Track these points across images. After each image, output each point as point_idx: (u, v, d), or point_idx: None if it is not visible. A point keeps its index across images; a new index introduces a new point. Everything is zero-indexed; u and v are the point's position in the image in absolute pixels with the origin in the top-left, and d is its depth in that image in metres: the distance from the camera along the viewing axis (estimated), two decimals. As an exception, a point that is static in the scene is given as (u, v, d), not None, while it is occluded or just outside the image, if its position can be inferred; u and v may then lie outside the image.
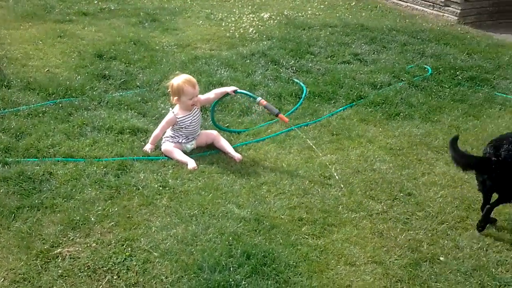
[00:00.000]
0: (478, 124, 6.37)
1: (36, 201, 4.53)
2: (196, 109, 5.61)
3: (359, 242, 4.34)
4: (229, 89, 5.73)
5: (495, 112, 6.76)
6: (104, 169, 5.04)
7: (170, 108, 5.61)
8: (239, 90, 5.73)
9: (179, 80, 5.47)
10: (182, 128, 5.53)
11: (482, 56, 8.65)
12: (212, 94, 5.75)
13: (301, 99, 6.73)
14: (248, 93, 5.81)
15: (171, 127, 5.58)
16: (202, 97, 5.67)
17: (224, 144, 5.57)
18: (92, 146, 5.44)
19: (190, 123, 5.54)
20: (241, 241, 4.22)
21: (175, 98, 5.49)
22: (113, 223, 4.37)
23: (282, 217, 4.58)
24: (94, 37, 8.59)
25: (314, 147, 5.52)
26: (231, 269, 3.94)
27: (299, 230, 4.44)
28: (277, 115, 5.49)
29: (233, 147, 5.55)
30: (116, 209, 4.53)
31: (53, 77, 6.94)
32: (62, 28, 8.83)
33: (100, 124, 5.82)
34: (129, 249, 4.11)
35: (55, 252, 4.03)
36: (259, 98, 5.59)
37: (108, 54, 7.78)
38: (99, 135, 5.65)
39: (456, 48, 8.97)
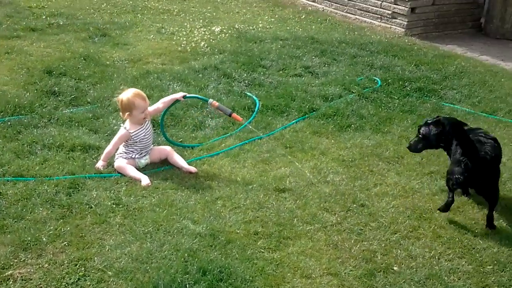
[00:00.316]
0: (427, 134, 6.51)
1: (-15, 222, 4.42)
2: (148, 122, 5.58)
3: (315, 254, 4.38)
4: (178, 95, 5.73)
5: (443, 122, 6.93)
6: (56, 188, 4.95)
7: (122, 124, 5.56)
8: (188, 95, 5.73)
9: (128, 94, 5.43)
10: (136, 142, 5.48)
11: (429, 67, 8.87)
12: (160, 103, 5.74)
13: (254, 113, 6.76)
14: (198, 96, 5.83)
15: (123, 143, 5.52)
16: (150, 108, 5.64)
17: (178, 159, 5.54)
18: (42, 164, 5.33)
19: (144, 136, 5.50)
20: (196, 257, 4.20)
21: (127, 113, 5.45)
22: (65, 242, 4.29)
23: (238, 231, 4.58)
24: (42, 53, 8.44)
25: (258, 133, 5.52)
26: (187, 286, 3.92)
27: (255, 244, 4.45)
28: (230, 115, 5.54)
29: (187, 162, 5.53)
30: (68, 228, 4.45)
31: (0, 94, 6.76)
32: (10, 44, 8.65)
33: (51, 141, 5.71)
34: (83, 269, 4.04)
35: (6, 274, 3.93)
36: (210, 100, 5.64)
37: (58, 70, 7.65)
38: (49, 153, 5.54)
39: (404, 59, 9.18)
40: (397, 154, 6.02)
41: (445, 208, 4.86)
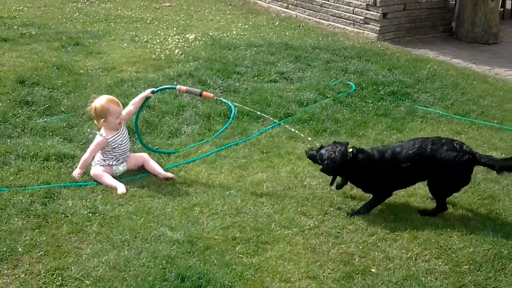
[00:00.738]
0: (402, 137, 6.58)
1: (-41, 234, 4.35)
2: (123, 128, 5.56)
3: (293, 258, 4.38)
4: (146, 92, 5.75)
5: (417, 124, 7.02)
6: (31, 198, 4.90)
7: (97, 132, 5.52)
8: (155, 89, 5.75)
9: (101, 101, 5.41)
10: (114, 148, 5.46)
11: (402, 71, 8.97)
12: (131, 106, 5.73)
13: (230, 119, 6.76)
14: (165, 87, 5.89)
15: (100, 150, 5.49)
16: (123, 112, 5.61)
17: (154, 166, 5.53)
18: (17, 174, 5.27)
19: (121, 141, 5.48)
20: (175, 264, 4.19)
21: (102, 120, 5.42)
22: (41, 252, 4.24)
23: (216, 237, 4.57)
24: (15, 63, 8.35)
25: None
26: (166, 293, 3.90)
27: (233, 249, 4.44)
28: (201, 95, 5.58)
29: (164, 169, 5.51)
30: (44, 238, 4.41)
31: (-28, 105, 6.69)
32: (-19, 55, 8.55)
33: (25, 151, 5.65)
34: (60, 278, 4.00)
35: (-19, 286, 3.88)
36: (178, 86, 5.68)
37: (31, 79, 7.58)
38: (23, 163, 5.48)
39: (377, 64, 9.27)
40: (372, 157, 6.06)
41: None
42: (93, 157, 5.50)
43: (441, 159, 4.83)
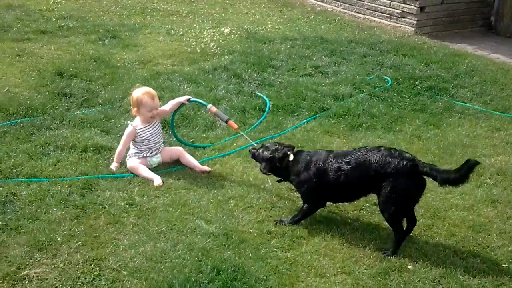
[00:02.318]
0: (439, 132, 6.51)
1: (0, 223, 4.45)
2: (156, 121, 5.60)
3: (328, 253, 4.37)
4: (183, 98, 5.78)
5: (455, 120, 6.92)
6: (69, 189, 4.97)
7: (129, 122, 5.61)
8: (192, 99, 5.78)
9: (139, 92, 5.50)
10: (144, 141, 5.52)
11: (440, 65, 8.84)
12: (168, 106, 5.79)
13: (265, 113, 6.76)
14: (200, 101, 5.87)
15: (133, 143, 5.55)
16: (160, 109, 5.67)
17: (190, 159, 5.56)
18: (55, 165, 5.36)
19: (150, 135, 5.54)
20: (210, 256, 4.21)
21: (134, 109, 5.52)
22: (80, 242, 4.31)
23: (251, 231, 4.58)
24: (53, 55, 8.48)
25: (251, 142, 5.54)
26: (202, 285, 3.93)
27: (268, 243, 4.45)
28: (226, 122, 5.56)
29: (199, 162, 5.54)
30: (82, 228, 4.47)
31: (13, 96, 6.81)
32: (21, 47, 8.68)
33: (63, 143, 5.74)
34: (98, 268, 4.06)
35: (22, 274, 3.96)
36: (209, 105, 5.67)
37: (69, 72, 7.69)
38: (62, 154, 5.57)
39: (414, 58, 9.16)
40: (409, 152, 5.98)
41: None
42: (127, 149, 5.58)
43: (378, 169, 4.34)
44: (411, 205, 4.44)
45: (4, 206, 4.68)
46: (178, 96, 6.91)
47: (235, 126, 5.58)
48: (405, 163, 4.28)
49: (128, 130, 5.54)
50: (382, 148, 4.46)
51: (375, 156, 4.37)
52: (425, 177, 4.35)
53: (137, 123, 5.55)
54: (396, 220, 4.41)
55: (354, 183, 4.47)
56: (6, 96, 6.84)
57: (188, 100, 5.77)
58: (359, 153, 4.47)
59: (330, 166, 4.51)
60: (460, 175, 4.22)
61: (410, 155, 4.42)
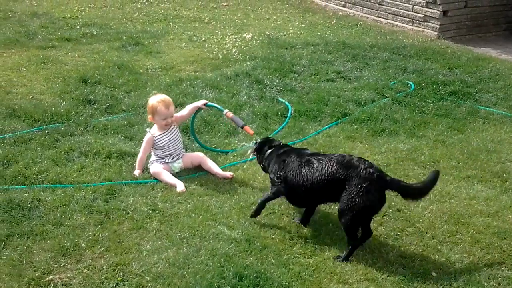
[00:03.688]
0: (463, 138, 6.44)
1: (26, 228, 4.51)
2: (173, 128, 5.65)
3: (351, 259, 4.34)
4: (200, 103, 5.83)
5: (479, 125, 6.84)
6: (93, 194, 5.03)
7: (147, 129, 5.66)
8: (209, 103, 5.82)
9: (154, 100, 5.56)
10: (163, 147, 5.57)
11: (464, 70, 8.76)
12: (185, 111, 5.84)
13: (287, 118, 6.77)
14: (216, 105, 5.89)
15: (153, 150, 5.61)
16: (177, 115, 5.72)
17: (212, 165, 5.58)
18: (80, 171, 5.42)
19: (168, 141, 5.58)
20: (233, 262, 4.22)
21: (150, 116, 5.60)
22: (104, 248, 4.35)
23: (273, 237, 4.58)
24: (77, 62, 8.59)
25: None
26: (224, 291, 3.94)
27: (291, 249, 4.44)
28: (242, 127, 5.58)
29: (221, 168, 5.56)
30: (106, 234, 4.51)
31: (38, 103, 6.91)
32: (45, 54, 8.82)
33: (87, 149, 5.81)
34: (121, 273, 4.09)
35: (47, 279, 4.01)
36: (225, 110, 5.70)
37: (93, 78, 7.78)
38: (86, 160, 5.63)
39: (438, 63, 9.09)
40: (432, 158, 5.96)
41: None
42: (149, 156, 5.64)
43: (338, 174, 4.30)
44: (371, 214, 4.36)
45: (30, 211, 4.75)
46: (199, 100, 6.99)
47: (251, 131, 5.59)
48: (370, 171, 4.22)
49: (146, 138, 5.61)
50: (350, 156, 4.41)
51: (337, 162, 4.36)
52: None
53: (154, 130, 5.61)
54: (351, 232, 4.33)
55: (318, 189, 4.45)
56: (32, 103, 6.94)
57: (205, 104, 5.80)
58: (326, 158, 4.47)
59: (291, 165, 4.60)
60: (422, 187, 4.27)
61: (376, 166, 4.35)
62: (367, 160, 4.38)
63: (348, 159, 4.36)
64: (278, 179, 4.65)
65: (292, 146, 5.11)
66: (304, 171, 4.48)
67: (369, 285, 4.10)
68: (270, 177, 4.82)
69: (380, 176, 4.25)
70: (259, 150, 5.06)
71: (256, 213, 4.75)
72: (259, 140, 5.16)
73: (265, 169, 5.03)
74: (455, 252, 4.47)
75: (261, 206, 4.74)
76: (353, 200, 4.21)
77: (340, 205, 4.33)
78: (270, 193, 4.73)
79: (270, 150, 4.94)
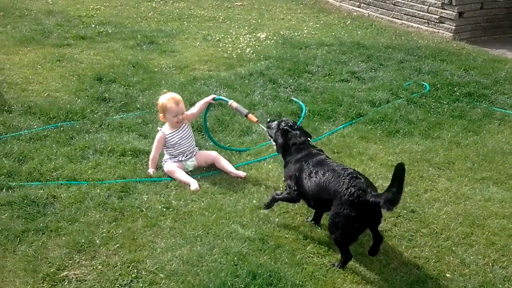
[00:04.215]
0: (478, 139, 6.40)
1: (41, 224, 4.54)
2: (185, 126, 5.67)
3: (365, 260, 4.34)
4: (209, 98, 5.86)
5: (495, 127, 6.80)
6: (108, 192, 5.05)
7: (159, 128, 5.69)
8: (217, 97, 5.88)
9: (164, 98, 5.59)
10: (174, 145, 5.59)
11: (479, 71, 8.71)
12: (196, 108, 5.86)
13: (301, 118, 6.76)
14: (222, 97, 5.95)
15: (165, 148, 5.64)
16: (188, 112, 5.74)
17: (225, 164, 5.59)
18: (94, 168, 5.45)
19: (179, 140, 5.60)
20: (246, 261, 4.22)
21: (161, 115, 5.63)
22: (118, 245, 4.37)
23: (287, 236, 4.58)
24: (92, 61, 8.63)
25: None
26: (238, 289, 3.94)
27: (304, 249, 4.44)
28: (246, 116, 5.61)
29: (235, 167, 5.57)
30: (120, 231, 4.53)
31: (53, 101, 6.96)
32: (61, 52, 8.87)
33: (102, 146, 5.83)
34: (135, 270, 4.11)
35: (62, 275, 4.03)
36: (230, 101, 5.74)
37: (107, 77, 7.82)
38: (101, 157, 5.66)
39: (453, 64, 9.04)
40: (447, 159, 5.93)
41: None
42: (161, 154, 5.66)
43: (326, 188, 4.28)
44: (358, 231, 4.20)
45: (45, 208, 4.78)
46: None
47: (255, 119, 5.61)
48: (352, 191, 4.08)
49: (158, 136, 5.64)
50: (348, 172, 4.25)
51: (333, 173, 4.29)
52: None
53: (165, 128, 5.64)
54: (342, 243, 4.22)
55: (316, 197, 4.43)
56: (47, 100, 6.99)
57: (214, 98, 5.84)
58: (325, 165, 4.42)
59: (305, 168, 4.54)
60: (393, 191, 3.90)
61: (365, 184, 4.14)
62: (359, 178, 4.17)
63: (336, 174, 4.26)
64: (293, 187, 4.60)
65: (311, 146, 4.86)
66: (310, 181, 4.43)
67: (383, 285, 4.09)
68: (284, 178, 4.78)
69: (362, 200, 4.04)
70: (281, 134, 4.87)
71: (268, 206, 4.86)
72: (283, 124, 4.92)
73: (277, 150, 4.97)
74: (469, 254, 4.44)
75: (273, 202, 4.83)
76: (336, 219, 4.15)
77: (328, 221, 4.28)
78: (285, 194, 4.70)
79: (293, 147, 4.78)
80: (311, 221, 4.78)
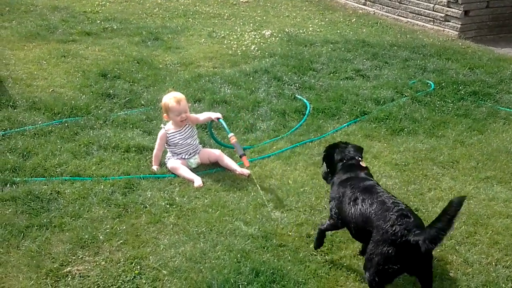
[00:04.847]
0: (483, 138, 6.39)
1: (45, 220, 4.56)
2: (188, 126, 5.67)
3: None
4: (214, 115, 5.74)
5: (499, 126, 6.78)
6: (111, 188, 5.06)
7: (162, 125, 5.72)
8: (221, 120, 5.69)
9: (166, 97, 5.61)
10: (176, 145, 5.62)
11: (484, 70, 8.68)
12: (202, 116, 5.81)
13: (305, 116, 6.76)
14: (225, 126, 5.63)
15: (167, 146, 5.67)
16: (193, 115, 5.74)
17: (229, 162, 5.60)
18: (98, 164, 5.46)
19: (181, 140, 5.62)
20: (249, 258, 4.22)
21: (164, 114, 5.65)
22: (121, 241, 4.38)
23: (290, 234, 4.58)
24: (97, 57, 8.64)
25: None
26: (240, 286, 3.95)
27: (307, 246, 4.44)
28: (241, 157, 5.37)
29: (238, 164, 5.57)
30: (124, 227, 4.54)
31: (58, 96, 6.97)
32: (66, 48, 8.88)
33: (106, 142, 5.84)
34: (138, 267, 4.12)
35: (65, 270, 4.05)
36: (231, 134, 5.53)
37: (112, 73, 7.82)
38: (105, 153, 5.67)
39: (458, 63, 9.01)
40: (452, 158, 5.91)
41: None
42: (163, 151, 5.68)
43: (370, 220, 3.84)
44: (394, 274, 3.76)
45: (49, 203, 4.80)
46: (218, 98, 7.02)
47: (247, 163, 5.35)
48: (397, 229, 3.63)
49: (160, 133, 5.66)
50: (397, 206, 3.78)
51: (379, 206, 3.83)
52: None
53: (169, 127, 5.66)
54: (374, 284, 3.79)
55: (356, 227, 4.01)
56: (52, 96, 7.00)
57: (218, 119, 5.70)
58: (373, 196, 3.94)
59: (348, 193, 4.10)
60: (438, 227, 3.46)
61: (413, 224, 3.65)
62: (408, 217, 3.70)
63: (385, 207, 3.80)
64: (335, 214, 4.20)
65: (358, 164, 4.39)
66: (354, 208, 3.98)
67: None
68: (330, 203, 4.32)
69: (404, 240, 3.59)
70: (329, 158, 4.51)
71: (318, 243, 4.34)
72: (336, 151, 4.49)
73: (326, 180, 4.60)
74: (473, 253, 4.43)
75: (321, 235, 4.32)
76: (372, 256, 3.74)
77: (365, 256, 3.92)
78: (328, 223, 4.28)
79: (340, 168, 4.37)
80: (359, 253, 4.35)
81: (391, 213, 3.72)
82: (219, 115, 5.79)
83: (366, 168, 4.40)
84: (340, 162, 4.40)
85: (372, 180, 4.23)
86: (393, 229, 3.63)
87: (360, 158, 4.42)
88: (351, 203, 4.02)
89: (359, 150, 4.52)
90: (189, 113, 5.68)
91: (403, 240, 3.58)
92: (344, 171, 4.32)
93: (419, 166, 5.75)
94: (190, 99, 6.75)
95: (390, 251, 3.63)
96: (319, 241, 4.33)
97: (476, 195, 5.23)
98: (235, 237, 4.48)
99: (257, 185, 5.09)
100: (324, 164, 4.57)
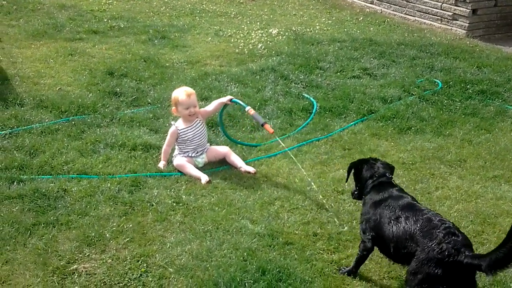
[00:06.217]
0: (491, 137, 6.36)
1: (52, 217, 4.56)
2: (198, 121, 5.66)
3: (374, 257, 4.31)
4: (225, 99, 5.79)
5: (507, 125, 6.74)
6: (118, 186, 5.07)
7: (172, 122, 5.69)
8: (234, 99, 5.78)
9: (176, 91, 5.62)
10: (186, 141, 5.59)
11: (492, 69, 8.64)
12: (211, 106, 5.83)
13: (312, 114, 6.74)
14: (240, 102, 5.78)
15: (177, 143, 5.65)
16: (202, 109, 5.74)
17: (236, 159, 5.59)
18: (105, 163, 5.47)
19: (193, 135, 5.60)
20: (256, 256, 4.22)
21: (173, 108, 5.64)
22: (128, 239, 4.38)
23: (296, 232, 4.57)
24: (104, 55, 8.65)
25: (295, 160, 5.44)
26: (247, 284, 3.94)
27: (314, 245, 4.43)
28: (263, 125, 5.51)
29: (245, 162, 5.56)
30: (130, 225, 4.54)
31: (65, 95, 6.98)
32: (73, 46, 8.89)
33: (113, 141, 5.85)
34: (145, 265, 4.12)
35: (71, 268, 4.05)
36: (247, 107, 5.64)
37: (119, 71, 7.83)
38: (112, 152, 5.67)
39: (466, 61, 8.97)
40: (459, 157, 5.89)
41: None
42: (172, 148, 5.67)
43: (415, 238, 3.65)
44: None
45: (55, 201, 4.80)
46: (225, 96, 6.98)
47: (271, 130, 5.49)
48: (444, 247, 3.47)
49: (170, 130, 5.64)
50: (446, 225, 3.61)
51: (425, 225, 3.65)
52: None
53: (179, 123, 5.64)
54: None
55: (396, 246, 3.80)
56: (59, 94, 7.01)
57: (231, 100, 5.79)
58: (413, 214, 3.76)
59: (386, 213, 3.92)
60: (503, 252, 3.23)
61: (461, 243, 3.50)
62: (456, 235, 3.55)
63: (432, 224, 3.63)
64: (368, 235, 4.02)
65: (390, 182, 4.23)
66: (397, 227, 3.78)
67: (392, 283, 4.07)
68: (362, 224, 4.13)
69: (453, 261, 3.44)
70: (359, 176, 4.37)
71: (355, 270, 4.14)
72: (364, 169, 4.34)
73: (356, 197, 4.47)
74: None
75: (357, 263, 4.12)
76: (418, 274, 3.56)
77: (407, 274, 3.72)
78: (360, 252, 4.08)
79: (371, 185, 4.20)
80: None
81: (438, 230, 3.57)
82: (229, 97, 5.80)
83: (397, 186, 4.24)
84: (370, 179, 4.24)
85: (408, 195, 4.05)
86: (441, 247, 3.48)
87: (391, 176, 4.25)
88: (392, 222, 3.82)
89: (390, 168, 4.35)
90: (198, 108, 5.67)
91: (451, 260, 3.43)
92: (377, 191, 4.13)
93: (426, 165, 5.73)
94: (197, 98, 6.72)
95: (437, 271, 3.46)
96: (356, 269, 4.13)
97: (484, 194, 5.20)
98: (241, 235, 4.48)
99: (298, 164, 5.27)
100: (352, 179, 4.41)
